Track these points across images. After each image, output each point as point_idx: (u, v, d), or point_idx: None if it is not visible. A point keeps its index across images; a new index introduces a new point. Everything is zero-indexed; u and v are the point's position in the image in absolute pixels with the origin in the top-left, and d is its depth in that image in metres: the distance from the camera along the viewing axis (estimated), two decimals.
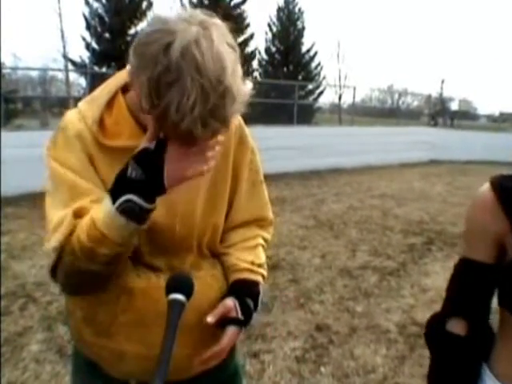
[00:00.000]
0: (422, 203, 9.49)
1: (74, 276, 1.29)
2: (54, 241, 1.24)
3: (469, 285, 1.35)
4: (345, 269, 5.64)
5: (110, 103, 1.32)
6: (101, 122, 1.30)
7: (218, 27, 1.10)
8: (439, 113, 25.59)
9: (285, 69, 26.95)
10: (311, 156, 13.29)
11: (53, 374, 3.45)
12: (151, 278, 1.37)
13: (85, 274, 1.26)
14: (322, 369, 3.60)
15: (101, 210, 1.18)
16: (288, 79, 23.41)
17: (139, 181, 1.13)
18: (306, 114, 22.00)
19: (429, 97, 25.93)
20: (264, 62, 27.77)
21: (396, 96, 31.91)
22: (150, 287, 1.36)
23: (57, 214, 1.26)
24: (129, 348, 1.38)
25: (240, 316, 1.38)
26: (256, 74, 26.90)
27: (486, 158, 15.70)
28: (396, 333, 4.14)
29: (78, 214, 1.23)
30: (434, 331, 1.40)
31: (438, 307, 4.65)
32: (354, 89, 20.47)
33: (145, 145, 1.15)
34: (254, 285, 1.48)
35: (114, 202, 1.16)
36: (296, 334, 4.07)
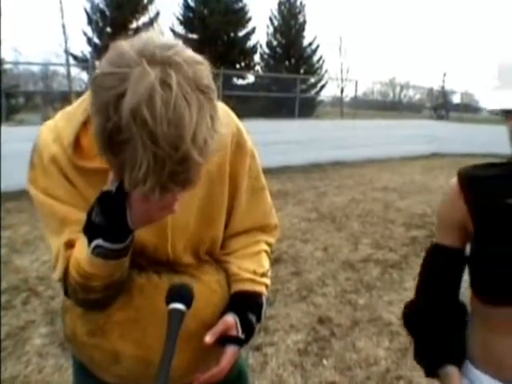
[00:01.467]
0: (424, 196, 9.47)
1: (81, 302, 1.30)
2: (57, 273, 1.27)
3: (437, 267, 1.48)
4: (347, 261, 5.64)
5: (86, 122, 1.21)
6: (77, 143, 1.21)
7: (184, 67, 0.93)
8: (441, 106, 25.55)
9: (286, 62, 26.89)
10: (313, 149, 13.27)
11: (56, 367, 3.46)
12: (152, 276, 1.34)
13: (89, 301, 1.27)
14: (325, 361, 3.60)
15: (81, 249, 1.18)
16: (290, 73, 23.37)
17: (102, 226, 1.11)
18: (308, 108, 21.99)
19: (431, 90, 25.91)
20: (266, 56, 27.70)
21: (398, 89, 31.85)
22: (149, 285, 1.32)
23: (53, 241, 1.27)
24: (123, 348, 1.34)
25: (240, 335, 1.33)
26: (258, 67, 26.85)
27: (488, 151, 15.65)
28: (398, 325, 4.13)
29: (69, 244, 1.24)
30: (408, 311, 1.53)
31: None
32: (356, 82, 20.40)
33: (106, 187, 1.10)
34: (256, 296, 1.42)
35: (89, 243, 1.14)
36: (298, 327, 4.07)
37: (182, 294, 1.13)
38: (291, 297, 4.65)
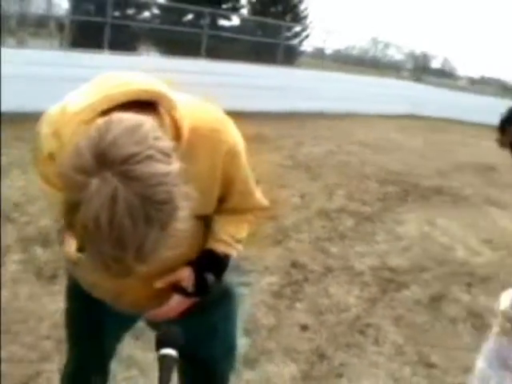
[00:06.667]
0: (399, 155, 9.50)
1: None
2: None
3: None
4: (322, 210, 5.68)
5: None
6: None
7: (140, 183, 0.92)
8: (421, 69, 25.55)
9: (272, 8, 26.42)
10: (292, 98, 13.19)
11: (30, 294, 3.42)
12: None
13: None
14: (298, 304, 3.66)
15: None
16: (275, 19, 23.01)
17: None
18: (290, 57, 21.77)
19: (412, 51, 25.83)
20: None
21: (379, 47, 31.66)
22: None
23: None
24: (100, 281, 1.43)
25: (190, 288, 1.45)
26: (244, 10, 26.36)
27: (463, 119, 15.76)
28: (369, 275, 4.21)
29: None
30: None
31: (410, 255, 4.71)
32: (339, 35, 20.25)
33: None
34: (224, 258, 1.52)
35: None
36: (273, 270, 4.11)
37: (172, 339, 1.18)
38: (266, 240, 4.68)
